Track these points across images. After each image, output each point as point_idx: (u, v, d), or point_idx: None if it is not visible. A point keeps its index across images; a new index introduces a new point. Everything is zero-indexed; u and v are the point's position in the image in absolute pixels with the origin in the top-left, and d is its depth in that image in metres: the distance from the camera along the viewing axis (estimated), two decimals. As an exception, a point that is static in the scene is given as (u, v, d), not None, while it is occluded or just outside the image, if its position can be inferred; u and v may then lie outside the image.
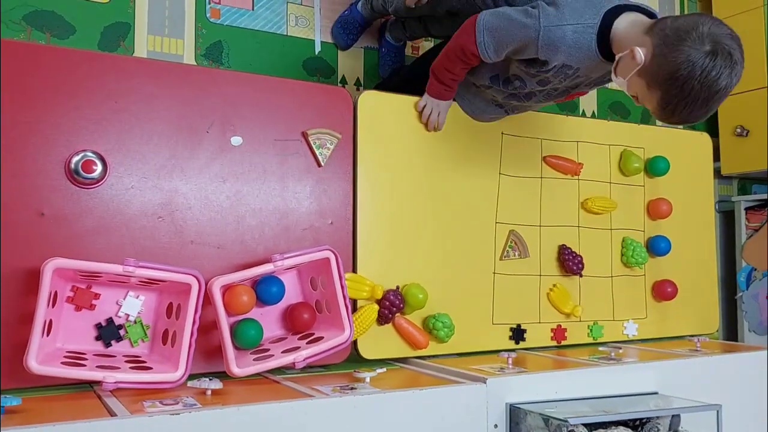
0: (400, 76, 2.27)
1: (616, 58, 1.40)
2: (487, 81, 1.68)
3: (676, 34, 1.28)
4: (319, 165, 1.65)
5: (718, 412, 1.51)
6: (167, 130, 1.50)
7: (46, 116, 1.39)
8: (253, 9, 2.24)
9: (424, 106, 1.76)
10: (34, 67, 1.38)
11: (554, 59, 1.46)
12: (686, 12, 3.13)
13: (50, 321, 1.30)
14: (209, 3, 2.16)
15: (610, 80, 1.54)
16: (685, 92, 1.28)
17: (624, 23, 1.40)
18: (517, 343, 1.89)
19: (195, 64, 2.14)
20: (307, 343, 1.48)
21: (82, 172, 1.39)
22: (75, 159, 1.40)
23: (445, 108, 1.78)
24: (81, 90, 1.42)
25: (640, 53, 1.33)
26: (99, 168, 1.41)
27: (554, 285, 1.96)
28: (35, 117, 1.38)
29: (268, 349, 1.47)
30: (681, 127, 2.96)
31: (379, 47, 2.41)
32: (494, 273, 1.87)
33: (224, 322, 1.39)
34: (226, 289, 1.44)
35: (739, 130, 2.88)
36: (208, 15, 2.17)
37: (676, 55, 1.27)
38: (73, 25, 1.98)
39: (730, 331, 3.06)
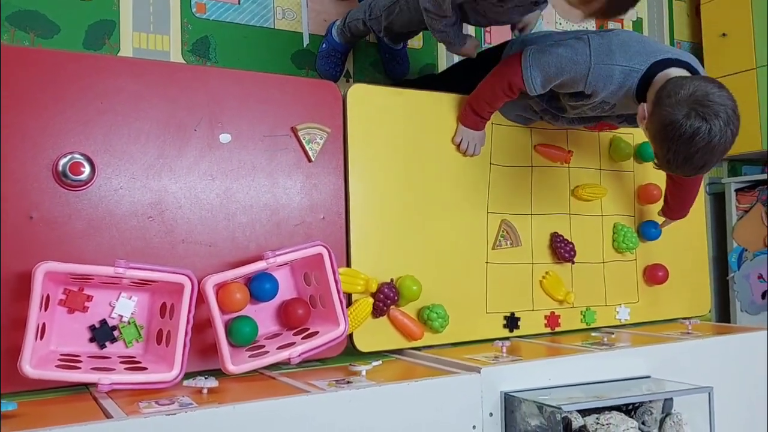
0: (435, 79, 2.27)
1: (639, 108, 1.47)
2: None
3: (665, 95, 1.37)
4: (310, 160, 1.64)
5: (709, 394, 1.52)
6: (154, 129, 1.49)
7: (32, 119, 1.38)
8: (239, 3, 2.22)
9: (461, 140, 1.82)
10: (18, 69, 1.37)
11: (599, 94, 1.56)
12: (673, 10, 3.12)
13: (43, 324, 1.30)
14: (194, -2, 2.15)
15: None
16: (667, 149, 1.37)
17: (661, 76, 1.47)
18: (511, 331, 1.90)
19: (182, 60, 2.12)
20: (302, 339, 1.49)
21: (70, 174, 1.39)
22: (62, 161, 1.39)
23: (480, 139, 1.84)
24: (66, 91, 1.41)
25: (644, 110, 1.43)
26: (87, 169, 1.40)
27: (547, 272, 1.97)
28: (21, 120, 1.37)
29: (263, 346, 1.48)
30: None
31: (381, 54, 2.39)
32: (487, 262, 1.88)
33: (218, 321, 1.39)
34: (220, 288, 1.45)
35: (728, 112, 2.88)
36: (193, 10, 2.16)
37: (661, 115, 1.36)
38: (57, 24, 1.96)
39: (723, 312, 3.09)
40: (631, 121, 1.72)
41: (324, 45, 2.29)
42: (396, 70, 2.39)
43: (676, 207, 2.04)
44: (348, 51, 2.32)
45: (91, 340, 1.40)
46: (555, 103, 1.77)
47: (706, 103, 1.32)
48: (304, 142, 1.63)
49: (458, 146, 1.83)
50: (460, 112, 1.81)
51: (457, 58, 2.25)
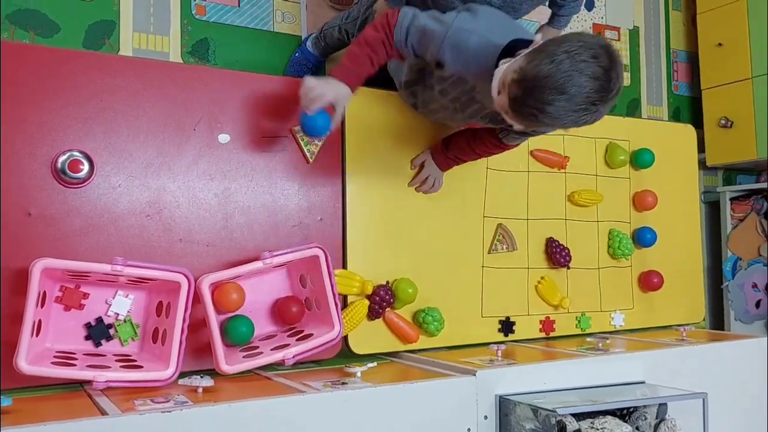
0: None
1: (494, 73, 1.29)
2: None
3: (528, 55, 1.21)
4: (308, 162, 1.65)
5: (703, 399, 1.53)
6: (154, 128, 1.49)
7: (32, 116, 1.38)
8: (239, 5, 2.23)
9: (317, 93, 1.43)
10: (18, 66, 1.37)
11: (452, 65, 1.40)
12: (669, 20, 3.15)
13: (39, 321, 1.30)
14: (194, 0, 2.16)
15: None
16: (535, 101, 1.18)
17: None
18: (506, 335, 1.90)
19: (181, 61, 2.13)
20: (296, 340, 1.49)
21: (68, 171, 1.39)
22: (61, 158, 1.39)
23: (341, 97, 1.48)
24: (66, 89, 1.41)
25: (500, 80, 1.25)
26: (86, 167, 1.41)
27: (542, 277, 1.98)
28: (20, 117, 1.37)
29: (257, 347, 1.48)
30: (665, 119, 3.00)
31: (294, 52, 2.28)
32: (483, 266, 1.88)
33: (213, 320, 1.39)
34: (216, 287, 1.45)
35: (723, 122, 2.91)
36: (193, 12, 2.16)
37: (524, 71, 1.18)
38: (57, 23, 1.97)
39: (717, 320, 3.09)
40: (495, 120, 1.47)
41: (297, 54, 2.23)
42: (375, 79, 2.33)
43: (454, 148, 1.73)
44: (320, 63, 2.24)
45: (87, 337, 1.40)
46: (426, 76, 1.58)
47: (574, 48, 1.15)
48: (302, 143, 1.64)
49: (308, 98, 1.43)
50: (335, 67, 1.49)
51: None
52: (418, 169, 1.79)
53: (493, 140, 1.63)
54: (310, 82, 1.43)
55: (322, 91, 1.42)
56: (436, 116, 1.70)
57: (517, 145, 1.68)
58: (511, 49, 1.30)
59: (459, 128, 1.74)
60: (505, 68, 1.25)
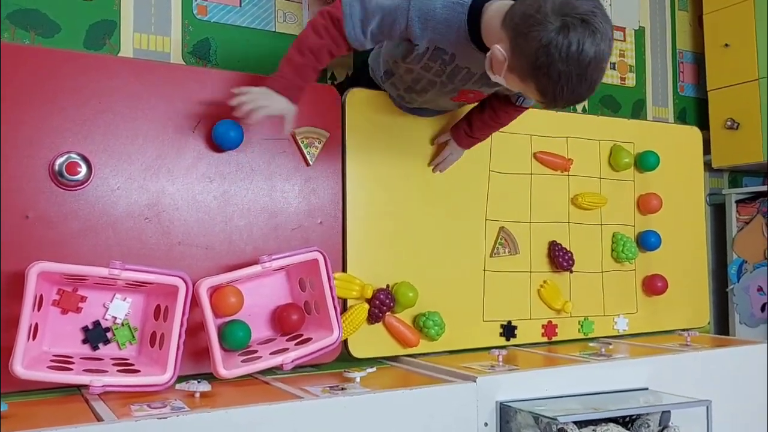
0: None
1: (487, 55, 1.27)
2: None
3: (523, 22, 1.17)
4: (308, 164, 1.63)
5: (708, 407, 1.51)
6: (153, 130, 1.48)
7: (29, 118, 1.37)
8: (240, 5, 2.21)
9: (253, 104, 1.40)
10: (16, 67, 1.37)
11: (423, 37, 1.34)
12: (675, 20, 3.12)
13: (36, 325, 1.29)
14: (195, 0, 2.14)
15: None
16: (554, 78, 1.16)
17: (492, 10, 1.27)
18: (508, 339, 1.89)
19: (182, 62, 2.11)
20: (295, 345, 1.48)
21: (66, 174, 1.38)
22: (59, 161, 1.38)
23: (292, 111, 1.44)
24: (64, 90, 1.40)
25: (501, 51, 1.21)
26: (84, 169, 1.40)
27: (545, 281, 1.96)
28: (18, 119, 1.36)
29: (256, 351, 1.47)
30: (671, 120, 2.97)
31: None
32: (484, 270, 1.87)
33: (211, 324, 1.38)
34: (214, 291, 1.44)
35: (729, 123, 2.88)
36: (194, 12, 2.15)
37: (530, 45, 1.16)
38: (58, 23, 1.96)
39: (722, 324, 3.07)
40: (488, 79, 1.37)
41: None
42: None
43: (478, 130, 1.71)
44: None
45: (84, 341, 1.39)
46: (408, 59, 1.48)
47: (575, 14, 1.13)
48: (302, 146, 1.62)
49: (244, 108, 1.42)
50: (272, 77, 1.42)
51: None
52: (437, 147, 1.77)
53: (511, 107, 1.59)
54: (252, 93, 1.39)
55: (265, 103, 1.39)
56: (426, 97, 1.60)
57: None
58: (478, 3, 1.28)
59: (454, 104, 1.66)
60: (497, 48, 1.22)
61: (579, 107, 2.76)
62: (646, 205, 2.15)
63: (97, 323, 1.40)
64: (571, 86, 1.17)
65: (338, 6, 1.35)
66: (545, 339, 1.96)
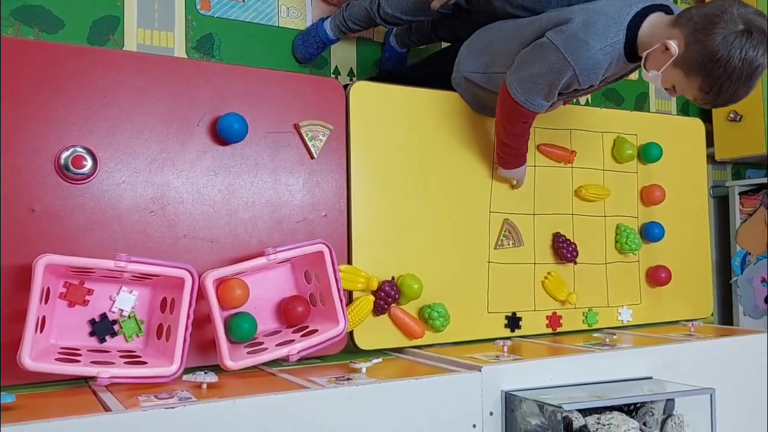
0: (407, 72, 2.23)
1: (643, 55, 1.46)
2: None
3: (706, 20, 1.34)
4: (312, 157, 1.64)
5: (711, 395, 1.51)
6: (157, 123, 1.49)
7: (35, 112, 1.38)
8: (243, 0, 2.22)
9: (515, 182, 1.87)
10: (21, 62, 1.37)
11: (595, 80, 1.53)
12: (679, 4, 3.12)
13: (43, 317, 1.30)
14: (198, -5, 2.15)
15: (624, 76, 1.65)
16: (728, 72, 1.33)
17: (646, 27, 1.46)
18: (512, 330, 1.89)
19: (186, 56, 2.12)
20: (301, 336, 1.48)
21: (72, 167, 1.39)
22: (65, 154, 1.39)
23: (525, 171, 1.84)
24: (69, 85, 1.41)
25: (674, 45, 1.38)
26: (89, 163, 1.40)
27: (549, 273, 1.97)
28: (24, 113, 1.37)
29: (262, 342, 1.47)
30: (674, 113, 2.97)
31: (383, 52, 2.37)
32: (489, 262, 1.87)
33: (217, 316, 1.39)
34: (220, 283, 1.44)
35: (732, 115, 2.88)
36: (198, 7, 2.16)
37: (712, 38, 1.32)
38: (62, 19, 1.97)
39: (725, 316, 3.07)
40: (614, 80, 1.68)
41: (312, 26, 2.23)
42: (390, 69, 2.36)
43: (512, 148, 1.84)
44: (329, 45, 2.26)
45: (91, 333, 1.39)
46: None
47: (757, 21, 1.32)
48: (306, 138, 1.63)
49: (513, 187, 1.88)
50: (499, 161, 1.81)
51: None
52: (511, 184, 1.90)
53: (522, 118, 1.66)
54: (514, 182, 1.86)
55: (516, 180, 1.86)
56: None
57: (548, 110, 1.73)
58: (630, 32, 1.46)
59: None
60: (660, 76, 1.44)
61: (582, 100, 2.76)
62: (649, 196, 2.15)
63: (103, 316, 1.40)
64: (737, 85, 1.34)
65: (518, 107, 1.59)
66: (550, 330, 1.96)
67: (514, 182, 1.87)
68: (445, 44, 2.22)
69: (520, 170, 1.82)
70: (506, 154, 1.76)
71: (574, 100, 1.87)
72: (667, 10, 1.48)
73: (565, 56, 1.46)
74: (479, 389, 1.43)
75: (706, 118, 2.77)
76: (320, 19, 2.24)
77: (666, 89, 1.49)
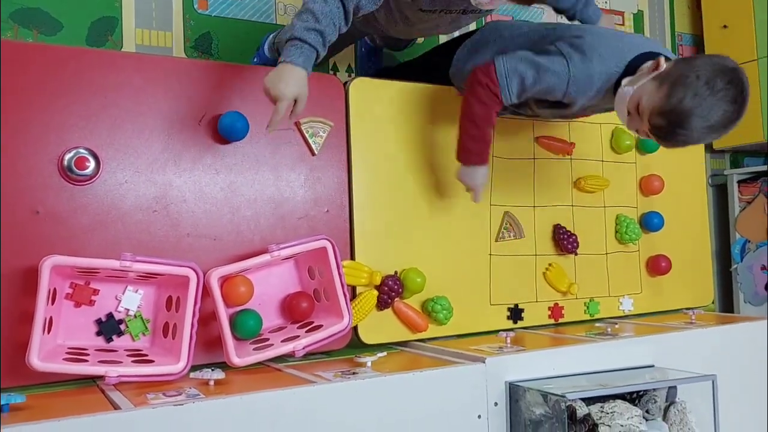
0: (406, 68, 2.23)
1: (643, 66, 1.45)
2: None
3: (679, 74, 1.36)
4: (313, 153, 1.65)
5: (713, 382, 1.53)
6: (158, 123, 1.50)
7: (37, 114, 1.39)
8: (241, -2, 2.22)
9: (470, 184, 1.68)
10: (22, 65, 1.38)
11: (579, 103, 1.54)
12: (674, 2, 3.13)
13: (50, 318, 1.31)
14: (195, -6, 2.15)
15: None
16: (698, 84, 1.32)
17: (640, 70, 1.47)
18: (515, 322, 1.91)
19: (184, 56, 2.13)
20: (306, 332, 1.50)
21: (75, 168, 1.39)
22: (67, 156, 1.40)
23: (485, 177, 1.67)
24: (70, 86, 1.42)
25: (663, 62, 1.40)
26: (92, 164, 1.41)
27: (550, 264, 1.98)
28: (25, 116, 1.38)
29: (267, 339, 1.48)
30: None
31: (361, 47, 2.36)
32: (490, 254, 1.88)
33: (223, 314, 1.40)
34: (224, 281, 1.45)
35: (729, 104, 2.88)
36: (195, 6, 2.16)
37: (680, 91, 1.33)
38: (60, 21, 1.97)
39: (726, 303, 3.09)
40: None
41: (255, 59, 2.14)
42: (368, 67, 2.36)
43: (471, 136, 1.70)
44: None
45: (98, 333, 1.41)
46: (522, 109, 1.75)
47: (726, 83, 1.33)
48: (307, 135, 1.64)
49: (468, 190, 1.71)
50: (457, 152, 1.64)
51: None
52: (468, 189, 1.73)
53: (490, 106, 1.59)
54: (465, 183, 1.68)
55: (473, 183, 1.66)
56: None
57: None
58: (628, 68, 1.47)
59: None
60: (633, 90, 1.42)
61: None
62: (648, 186, 2.16)
63: (110, 315, 1.42)
64: (701, 132, 1.35)
65: (494, 79, 1.53)
66: (552, 321, 1.97)
67: (471, 191, 1.69)
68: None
69: (479, 172, 1.65)
70: (466, 145, 1.62)
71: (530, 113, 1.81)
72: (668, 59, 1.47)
73: (569, 64, 1.48)
74: (483, 380, 1.44)
75: (704, 107, 2.77)
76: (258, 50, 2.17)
77: (628, 111, 1.45)
